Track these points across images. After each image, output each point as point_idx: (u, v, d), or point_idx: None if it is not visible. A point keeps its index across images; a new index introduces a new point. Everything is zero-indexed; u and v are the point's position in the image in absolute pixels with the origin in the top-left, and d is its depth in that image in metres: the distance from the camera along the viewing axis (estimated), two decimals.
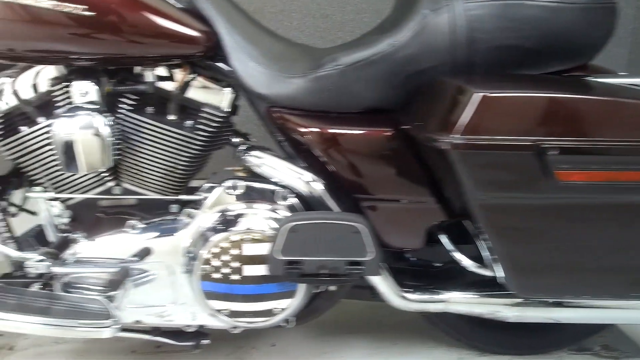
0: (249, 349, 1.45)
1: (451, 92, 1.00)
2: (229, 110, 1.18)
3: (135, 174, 1.18)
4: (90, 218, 1.20)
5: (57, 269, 1.11)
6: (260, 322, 1.17)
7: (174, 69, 1.14)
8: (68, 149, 1.06)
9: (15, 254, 1.13)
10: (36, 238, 1.20)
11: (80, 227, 1.19)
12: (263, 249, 1.11)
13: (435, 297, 1.19)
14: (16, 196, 1.21)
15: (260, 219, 1.13)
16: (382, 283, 1.19)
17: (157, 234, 1.14)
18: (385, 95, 1.11)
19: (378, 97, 1.11)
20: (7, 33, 1.03)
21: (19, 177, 1.24)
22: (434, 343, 1.47)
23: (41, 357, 1.42)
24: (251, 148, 1.18)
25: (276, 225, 1.12)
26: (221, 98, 1.16)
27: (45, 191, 1.17)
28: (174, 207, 1.21)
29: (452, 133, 0.96)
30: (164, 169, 1.18)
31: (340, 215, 1.13)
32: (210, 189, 1.19)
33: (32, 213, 1.25)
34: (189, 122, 1.16)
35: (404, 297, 1.20)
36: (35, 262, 1.10)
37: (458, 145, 0.95)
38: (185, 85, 1.13)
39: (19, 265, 1.17)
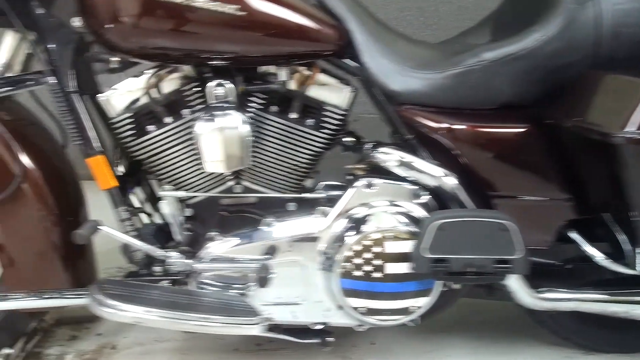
0: (349, 347, 1.45)
1: (623, 87, 1.00)
2: (348, 108, 1.20)
3: (258, 172, 1.20)
4: (211, 217, 1.21)
5: (199, 266, 1.13)
6: (392, 320, 1.17)
7: (300, 67, 1.15)
8: (211, 148, 1.08)
9: (158, 252, 1.15)
10: (155, 236, 1.22)
11: (202, 226, 1.20)
12: (405, 247, 1.12)
13: (569, 295, 1.19)
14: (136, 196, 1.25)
15: (399, 216, 1.14)
16: (513, 281, 1.18)
17: (293, 231, 1.15)
18: (523, 91, 1.12)
19: (516, 93, 1.12)
20: (153, 31, 1.05)
21: (136, 177, 1.27)
22: (536, 341, 1.45)
23: (146, 355, 1.44)
24: (378, 145, 1.19)
25: (416, 223, 1.13)
26: (341, 96, 1.18)
27: (176, 190, 1.18)
28: (291, 205, 1.23)
29: (627, 127, 0.97)
30: (286, 167, 1.19)
31: (488, 213, 1.13)
32: (327, 188, 1.20)
33: (148, 213, 1.28)
34: (309, 121, 1.18)
35: (536, 296, 1.19)
36: (175, 259, 1.12)
37: (634, 140, 0.96)
38: (309, 84, 1.14)
39: (145, 263, 1.20)
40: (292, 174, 1.20)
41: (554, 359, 1.39)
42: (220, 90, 1.10)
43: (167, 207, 1.18)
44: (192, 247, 1.17)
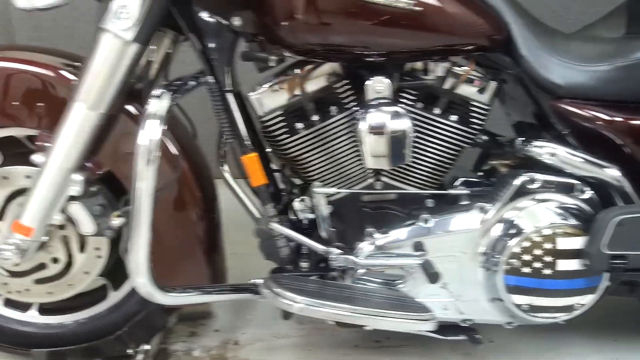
0: (467, 345, 1.42)
1: None
2: (490, 104, 1.21)
3: (401, 168, 1.21)
4: (351, 213, 1.23)
5: (362, 262, 1.14)
6: (551, 318, 1.17)
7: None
8: (377, 144, 1.10)
9: (321, 248, 1.18)
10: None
11: (343, 222, 1.22)
12: (577, 243, 1.12)
13: None
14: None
15: (568, 212, 1.14)
16: None
17: (451, 227, 1.17)
18: None
19: None
20: (326, 27, 1.06)
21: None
22: None
23: (269, 351, 1.46)
24: (529, 140, 1.19)
25: (586, 219, 1.12)
26: (487, 92, 1.19)
27: (327, 187, 1.20)
28: (429, 202, 1.24)
29: None
30: (430, 163, 1.21)
31: None
32: (466, 184, 1.22)
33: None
34: (453, 117, 1.19)
35: None
36: (337, 255, 1.15)
37: None
38: (462, 80, 1.16)
39: (290, 259, 1.22)
40: (435, 170, 1.22)
41: None
42: (380, 87, 1.12)
43: (318, 204, 1.19)
44: (349, 243, 1.19)
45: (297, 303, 1.13)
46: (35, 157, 1.11)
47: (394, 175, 1.24)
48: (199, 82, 1.17)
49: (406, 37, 1.09)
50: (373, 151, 1.11)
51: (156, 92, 1.09)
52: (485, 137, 1.27)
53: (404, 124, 1.10)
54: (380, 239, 1.17)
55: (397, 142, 1.10)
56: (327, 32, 1.08)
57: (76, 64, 1.21)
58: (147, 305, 1.31)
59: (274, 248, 1.24)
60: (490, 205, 1.17)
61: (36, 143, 1.14)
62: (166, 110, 1.05)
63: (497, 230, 1.16)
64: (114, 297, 1.33)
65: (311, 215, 1.25)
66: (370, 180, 1.24)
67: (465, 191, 1.21)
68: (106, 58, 1.06)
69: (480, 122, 1.20)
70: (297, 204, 1.21)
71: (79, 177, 1.13)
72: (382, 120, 1.09)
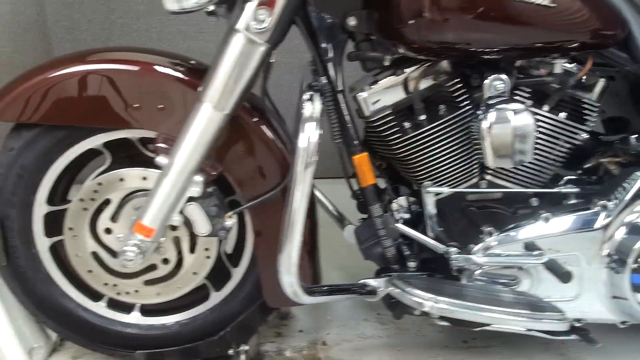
0: (559, 344, 1.44)
1: None
2: (600, 103, 1.23)
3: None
4: (457, 212, 1.24)
5: (481, 261, 1.15)
6: None
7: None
8: (501, 142, 1.11)
9: (441, 247, 1.19)
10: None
11: (447, 222, 1.24)
12: None
13: None
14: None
15: None
16: None
17: (573, 226, 1.17)
18: None
19: None
20: (455, 25, 1.07)
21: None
22: None
23: (359, 352, 1.46)
24: None
25: None
26: (597, 89, 1.21)
27: (434, 186, 1.21)
28: (534, 201, 1.26)
29: None
30: (538, 161, 1.22)
31: None
32: (572, 182, 1.21)
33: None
34: (562, 114, 1.20)
35: None
36: (456, 255, 1.16)
37: None
38: (579, 77, 1.17)
39: (395, 259, 1.23)
40: (542, 168, 1.23)
41: None
42: (500, 84, 1.13)
43: (427, 203, 1.21)
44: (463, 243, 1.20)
45: (437, 303, 1.14)
46: (159, 159, 1.12)
47: (499, 173, 1.25)
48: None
49: (531, 33, 1.09)
50: (497, 150, 1.12)
51: (306, 95, 1.11)
52: (586, 136, 1.27)
53: (528, 122, 1.11)
54: (500, 238, 1.18)
55: (521, 140, 1.11)
56: (453, 30, 1.08)
57: (190, 64, 1.22)
58: (248, 305, 1.33)
59: (379, 248, 1.25)
60: (612, 203, 1.17)
61: (155, 145, 1.15)
62: (320, 112, 1.07)
63: (622, 230, 1.16)
64: (216, 297, 1.34)
65: (406, 216, 1.27)
66: (475, 180, 1.26)
67: (574, 189, 1.22)
68: (237, 59, 1.07)
69: (590, 119, 1.21)
70: (395, 205, 1.23)
71: (199, 179, 1.14)
72: (506, 118, 1.10)
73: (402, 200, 1.26)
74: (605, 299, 1.20)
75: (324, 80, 1.17)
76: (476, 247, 1.17)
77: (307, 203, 1.11)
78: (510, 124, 1.11)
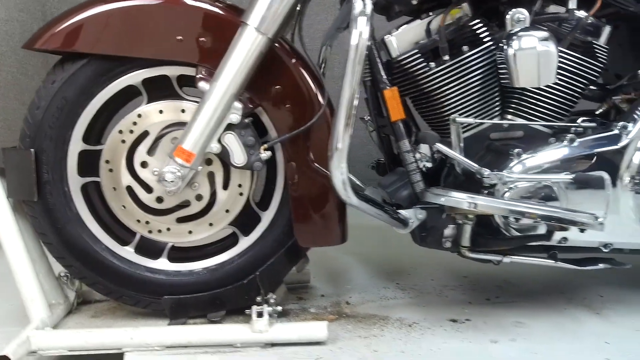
0: (582, 299, 1.48)
1: None
2: (607, 47, 1.32)
3: (528, 103, 1.27)
4: (480, 151, 1.28)
5: (513, 176, 1.18)
6: None
7: None
8: (529, 62, 1.17)
9: (476, 166, 1.21)
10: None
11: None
12: None
13: None
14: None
15: None
16: None
17: (597, 146, 1.22)
18: None
19: None
20: None
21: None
22: None
23: (385, 308, 1.44)
24: None
25: None
26: (603, 34, 1.29)
27: (464, 117, 1.26)
28: (552, 140, 1.30)
29: None
30: (557, 96, 1.27)
31: None
32: (588, 121, 1.28)
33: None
34: (576, 54, 1.27)
35: None
36: (489, 173, 1.18)
37: None
38: (592, 14, 1.25)
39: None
40: (560, 104, 1.29)
41: None
42: (521, 16, 1.22)
43: (455, 134, 1.24)
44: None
45: (474, 200, 1.16)
46: (201, 84, 1.16)
47: (521, 111, 1.30)
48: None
49: None
50: (524, 71, 1.17)
51: None
52: (594, 88, 1.38)
53: (551, 43, 1.18)
54: (529, 157, 1.22)
55: (545, 60, 1.17)
56: None
57: (229, 3, 1.27)
58: (278, 249, 1.33)
59: (408, 189, 1.26)
60: (631, 125, 1.23)
61: (197, 76, 1.19)
62: (372, 9, 1.12)
63: None
64: (245, 242, 1.33)
65: (429, 165, 1.32)
66: (496, 119, 1.31)
67: (592, 124, 1.27)
68: None
69: (602, 58, 1.29)
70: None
71: (239, 105, 1.18)
72: (531, 39, 1.17)
73: (424, 149, 1.32)
74: (635, 222, 1.23)
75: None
76: (507, 166, 1.21)
77: (355, 101, 1.13)
78: (535, 45, 1.18)
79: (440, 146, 1.22)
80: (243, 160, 1.21)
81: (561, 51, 1.27)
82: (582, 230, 1.21)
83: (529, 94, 1.29)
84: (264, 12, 1.15)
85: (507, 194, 1.21)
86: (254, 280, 1.30)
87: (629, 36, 1.37)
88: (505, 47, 1.20)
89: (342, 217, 1.31)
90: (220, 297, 1.32)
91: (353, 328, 1.33)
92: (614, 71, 1.50)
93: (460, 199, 1.18)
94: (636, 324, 1.33)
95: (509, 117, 1.31)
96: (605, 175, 1.21)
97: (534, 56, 1.18)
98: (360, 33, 1.11)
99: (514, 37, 1.20)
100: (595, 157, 1.23)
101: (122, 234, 1.33)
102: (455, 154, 1.23)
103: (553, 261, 1.28)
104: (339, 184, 1.18)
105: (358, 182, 1.43)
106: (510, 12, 1.23)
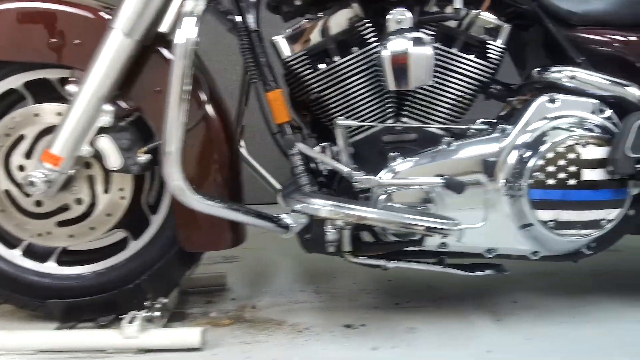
0: (492, 305, 1.42)
1: None
2: (505, 47, 1.26)
3: (422, 104, 1.24)
4: (373, 155, 1.24)
5: (385, 182, 1.16)
6: (580, 237, 1.16)
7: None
8: (400, 65, 1.14)
9: (346, 169, 1.19)
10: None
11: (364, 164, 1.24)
12: (601, 152, 1.14)
13: None
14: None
15: (590, 125, 1.16)
16: None
17: (474, 150, 1.19)
18: None
19: None
20: None
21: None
22: None
23: (287, 313, 1.41)
24: (547, 67, 1.23)
25: (609, 132, 1.14)
26: (502, 34, 1.25)
27: (349, 120, 1.23)
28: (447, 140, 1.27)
29: None
30: (450, 99, 1.24)
31: None
32: (485, 123, 1.24)
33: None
34: (471, 55, 1.24)
35: None
36: (361, 176, 1.16)
37: None
38: (482, 12, 1.22)
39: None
40: (454, 107, 1.25)
41: None
42: (401, 17, 1.18)
43: (339, 138, 1.21)
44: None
45: (334, 208, 1.13)
46: (70, 87, 1.15)
47: (415, 114, 1.26)
48: (224, 19, 1.24)
49: None
50: (397, 70, 1.14)
51: None
52: (499, 87, 1.32)
53: (425, 44, 1.15)
54: (403, 161, 1.19)
55: (418, 63, 1.14)
56: None
57: (108, 4, 1.26)
58: (165, 253, 1.30)
59: (297, 190, 1.24)
60: (510, 128, 1.19)
61: (69, 79, 1.18)
62: (203, 10, 1.08)
63: (519, 147, 1.17)
64: (134, 246, 1.32)
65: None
66: (390, 121, 1.27)
67: (485, 127, 1.23)
68: None
69: (496, 60, 1.25)
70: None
71: (109, 108, 1.17)
72: (403, 41, 1.14)
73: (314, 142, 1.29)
74: (513, 229, 1.19)
75: (237, 19, 1.22)
76: (381, 171, 1.18)
77: (186, 106, 1.10)
78: (407, 46, 1.14)
79: (304, 149, 1.18)
80: (119, 163, 1.19)
81: (449, 52, 1.23)
82: (444, 237, 1.16)
83: (419, 96, 1.25)
84: (128, 14, 1.13)
85: (381, 199, 1.17)
86: (141, 285, 1.29)
87: (534, 35, 1.30)
88: (380, 49, 1.17)
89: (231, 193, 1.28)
90: (109, 301, 1.30)
91: (241, 334, 1.30)
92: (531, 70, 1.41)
93: (317, 207, 1.14)
94: (531, 331, 1.28)
95: (404, 119, 1.27)
96: (482, 179, 1.16)
97: (407, 58, 1.14)
98: (185, 34, 1.07)
99: (388, 40, 1.16)
100: (473, 161, 1.17)
101: (11, 237, 1.31)
102: (323, 157, 1.20)
103: (441, 266, 1.24)
104: (175, 190, 1.14)
105: (274, 182, 1.43)
106: (391, 13, 1.19)
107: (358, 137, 1.27)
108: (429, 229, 1.12)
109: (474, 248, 1.22)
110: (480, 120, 1.27)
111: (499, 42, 1.26)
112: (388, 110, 1.27)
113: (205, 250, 1.33)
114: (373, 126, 1.24)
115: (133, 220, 1.32)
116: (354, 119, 1.25)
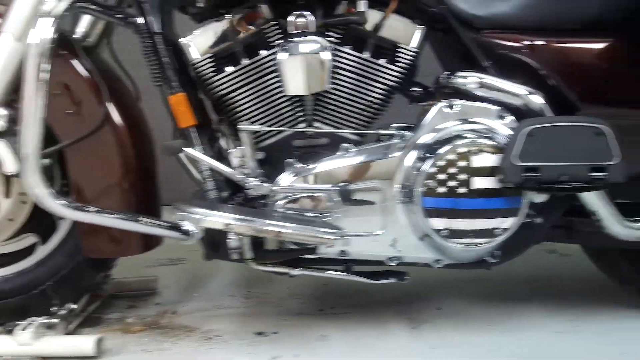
0: (415, 311, 1.40)
1: None
2: (419, 49, 1.22)
3: (331, 109, 1.20)
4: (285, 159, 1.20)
5: (278, 189, 1.12)
6: (476, 245, 1.12)
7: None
8: (295, 69, 1.11)
9: (238, 176, 1.15)
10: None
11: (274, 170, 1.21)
12: (492, 160, 1.10)
13: None
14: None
15: (485, 132, 1.12)
16: (604, 209, 1.14)
17: (372, 156, 1.15)
18: (610, 5, 1.13)
19: (601, 8, 1.13)
20: None
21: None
22: (617, 305, 1.36)
23: (207, 319, 1.38)
24: (454, 71, 1.20)
25: (504, 138, 1.11)
26: (413, 36, 1.20)
27: (253, 124, 1.19)
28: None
29: None
30: (359, 104, 1.20)
31: (582, 118, 1.11)
32: (399, 128, 1.19)
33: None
34: (382, 60, 1.20)
35: (628, 226, 1.15)
36: (254, 183, 1.13)
37: None
38: (386, 17, 1.18)
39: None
40: (364, 112, 1.21)
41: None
42: (302, 21, 1.14)
43: (244, 142, 1.16)
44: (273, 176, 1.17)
45: (208, 217, 1.09)
46: None
47: (326, 118, 1.22)
48: (127, 21, 1.20)
49: None
50: (291, 75, 1.11)
51: None
52: (419, 89, 1.27)
53: (321, 49, 1.11)
54: (300, 167, 1.14)
55: (313, 69, 1.11)
56: None
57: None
58: (74, 258, 1.28)
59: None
60: (411, 133, 1.15)
61: None
62: (62, 11, 1.05)
63: (414, 154, 1.13)
64: (42, 251, 1.29)
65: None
66: (302, 125, 1.22)
67: (395, 132, 1.17)
68: None
69: (407, 64, 1.20)
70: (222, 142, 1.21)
71: (3, 112, 1.13)
72: (299, 46, 1.10)
73: (224, 143, 1.23)
74: (412, 238, 1.15)
75: (139, 20, 1.19)
76: (278, 177, 1.14)
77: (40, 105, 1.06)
78: (301, 50, 1.10)
79: (192, 154, 1.13)
80: (15, 168, 1.14)
81: (357, 56, 1.18)
82: (329, 247, 1.12)
83: (328, 100, 1.20)
84: (18, 18, 1.09)
85: (278, 206, 1.13)
86: (47, 290, 1.26)
87: (449, 38, 1.23)
88: (277, 53, 1.14)
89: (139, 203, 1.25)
90: (18, 307, 1.27)
91: (148, 341, 1.27)
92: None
93: (197, 216, 1.09)
94: (442, 340, 1.24)
95: (317, 124, 1.22)
96: (378, 186, 1.12)
97: (301, 63, 1.10)
98: (39, 34, 1.03)
99: (284, 43, 1.12)
100: (369, 168, 1.13)
101: None
102: (209, 159, 1.15)
103: (346, 274, 1.19)
104: (41, 200, 1.09)
105: None
106: (292, 16, 1.15)
107: (268, 141, 1.22)
108: (309, 238, 1.08)
109: (375, 256, 1.18)
110: (394, 125, 1.22)
111: (412, 45, 1.21)
112: (298, 115, 1.22)
113: (110, 256, 1.31)
114: (281, 131, 1.19)
115: (43, 224, 1.30)
116: (261, 124, 1.20)
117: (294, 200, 1.15)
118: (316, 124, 1.23)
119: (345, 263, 1.21)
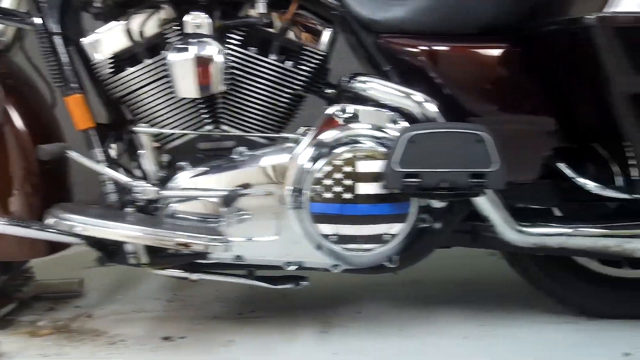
0: (332, 314, 1.37)
1: None
2: (327, 51, 1.20)
3: (237, 113, 1.18)
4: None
5: (166, 193, 1.10)
6: (367, 251, 1.11)
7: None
8: (183, 71, 1.08)
9: (124, 179, 1.13)
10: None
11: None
12: (377, 166, 1.08)
13: (556, 230, 1.12)
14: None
15: (373, 138, 1.10)
16: (496, 215, 1.13)
17: (265, 160, 1.12)
18: (505, 10, 1.10)
19: (496, 13, 1.11)
20: None
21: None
22: (531, 309, 1.33)
23: (121, 322, 1.36)
24: (356, 74, 1.18)
25: (388, 144, 1.09)
26: (321, 37, 1.18)
27: (151, 127, 1.17)
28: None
29: (606, 7, 0.94)
30: (264, 107, 1.18)
31: (462, 125, 1.10)
32: (305, 132, 1.17)
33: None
34: (288, 62, 1.18)
35: (520, 231, 1.14)
36: (142, 187, 1.10)
37: (609, 20, 0.92)
38: (286, 19, 1.16)
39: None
40: (271, 115, 1.19)
41: (545, 325, 1.27)
42: (197, 21, 1.11)
43: (140, 144, 1.15)
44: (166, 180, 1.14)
45: (82, 224, 1.05)
46: None
47: (231, 121, 1.19)
48: (24, 21, 1.17)
49: None
50: (179, 80, 1.09)
51: None
52: (332, 90, 1.24)
53: (210, 52, 1.08)
54: (190, 172, 1.12)
55: (202, 68, 1.08)
56: None
57: None
58: None
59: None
60: (304, 137, 1.12)
61: None
62: None
63: (305, 159, 1.10)
64: None
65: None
66: (209, 127, 1.19)
67: (299, 136, 1.14)
68: None
69: (314, 67, 1.18)
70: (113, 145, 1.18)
71: None
72: (188, 47, 1.08)
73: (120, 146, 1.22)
74: (304, 240, 1.12)
75: (37, 20, 1.17)
76: (169, 182, 1.12)
77: None
78: (190, 52, 1.08)
79: (75, 157, 1.12)
80: None
81: (255, 58, 1.16)
82: (226, 252, 1.09)
83: (230, 103, 1.18)
84: None
85: (168, 211, 1.10)
86: None
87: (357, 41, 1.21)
88: (167, 55, 1.11)
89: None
90: None
91: (50, 345, 1.25)
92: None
93: (68, 222, 1.05)
94: (345, 345, 1.21)
95: (224, 127, 1.19)
96: (269, 191, 1.10)
97: (189, 66, 1.08)
98: None
99: (175, 46, 1.10)
100: (261, 172, 1.10)
101: None
102: (91, 163, 1.12)
103: (249, 279, 1.17)
104: None
105: None
106: (187, 17, 1.12)
107: (173, 144, 1.19)
108: (185, 244, 1.05)
109: (272, 261, 1.15)
110: (303, 128, 1.19)
111: (320, 47, 1.18)
112: (204, 117, 1.19)
113: (13, 260, 1.29)
114: (179, 133, 1.16)
115: None
116: (164, 126, 1.17)
117: (185, 205, 1.12)
118: (223, 127, 1.20)
119: (246, 268, 1.18)
